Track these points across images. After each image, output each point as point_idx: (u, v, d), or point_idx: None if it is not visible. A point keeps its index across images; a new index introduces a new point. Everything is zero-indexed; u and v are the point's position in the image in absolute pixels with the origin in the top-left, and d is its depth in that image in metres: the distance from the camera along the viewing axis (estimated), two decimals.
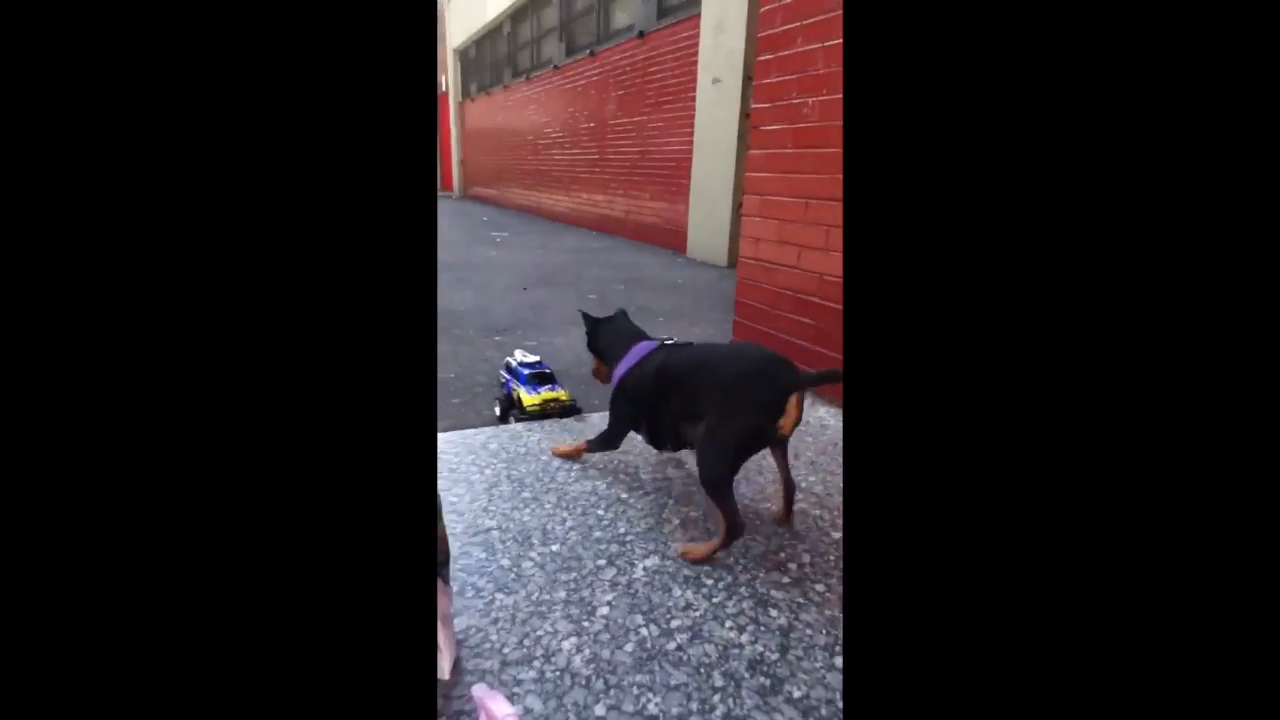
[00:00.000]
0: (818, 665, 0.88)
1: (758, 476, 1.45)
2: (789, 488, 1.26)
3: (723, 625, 0.96)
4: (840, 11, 1.71)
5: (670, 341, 1.34)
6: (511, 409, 1.85)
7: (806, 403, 1.90)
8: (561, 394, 1.84)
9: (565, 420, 1.76)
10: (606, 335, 1.46)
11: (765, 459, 1.52)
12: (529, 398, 1.80)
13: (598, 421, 1.75)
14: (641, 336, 1.41)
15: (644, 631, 0.93)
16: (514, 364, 1.93)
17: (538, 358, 1.95)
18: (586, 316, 1.51)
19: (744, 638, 0.93)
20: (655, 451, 1.55)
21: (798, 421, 1.10)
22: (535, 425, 1.70)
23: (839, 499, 1.36)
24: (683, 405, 1.20)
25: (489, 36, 11.81)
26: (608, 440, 1.42)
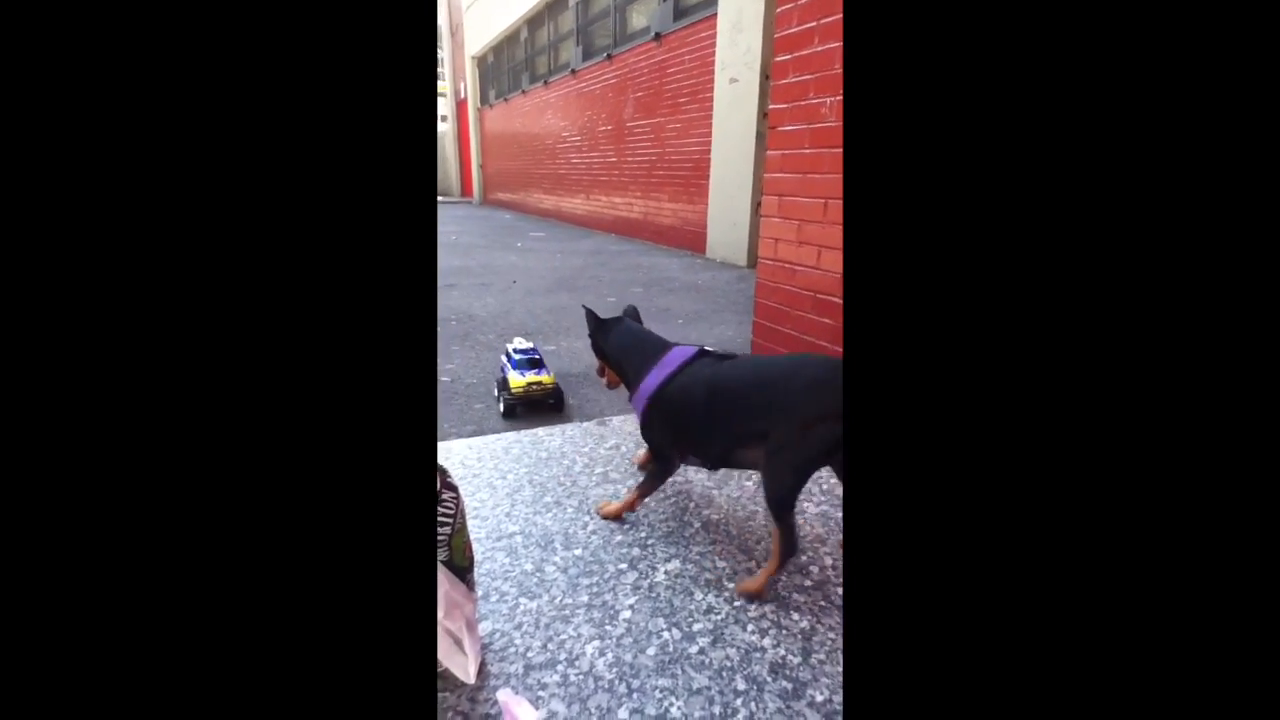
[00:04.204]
0: (840, 669, 0.88)
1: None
2: None
3: (744, 629, 0.96)
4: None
5: (710, 349, 1.16)
6: (503, 391, 2.02)
7: None
8: (545, 378, 2.02)
9: (586, 425, 1.77)
10: (620, 340, 1.27)
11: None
12: (515, 380, 1.99)
13: (618, 424, 1.76)
14: (664, 344, 1.22)
15: (666, 635, 0.94)
16: (510, 350, 2.12)
17: (531, 345, 2.15)
18: (591, 314, 1.30)
19: (766, 641, 0.93)
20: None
21: None
22: (556, 430, 1.72)
23: None
24: (744, 425, 1.04)
25: (506, 43, 11.92)
26: (663, 471, 1.21)
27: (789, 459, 0.98)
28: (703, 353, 1.16)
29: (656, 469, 1.21)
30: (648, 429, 1.18)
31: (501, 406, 2.02)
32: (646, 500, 1.33)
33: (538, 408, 2.04)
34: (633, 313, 1.34)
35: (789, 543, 1.00)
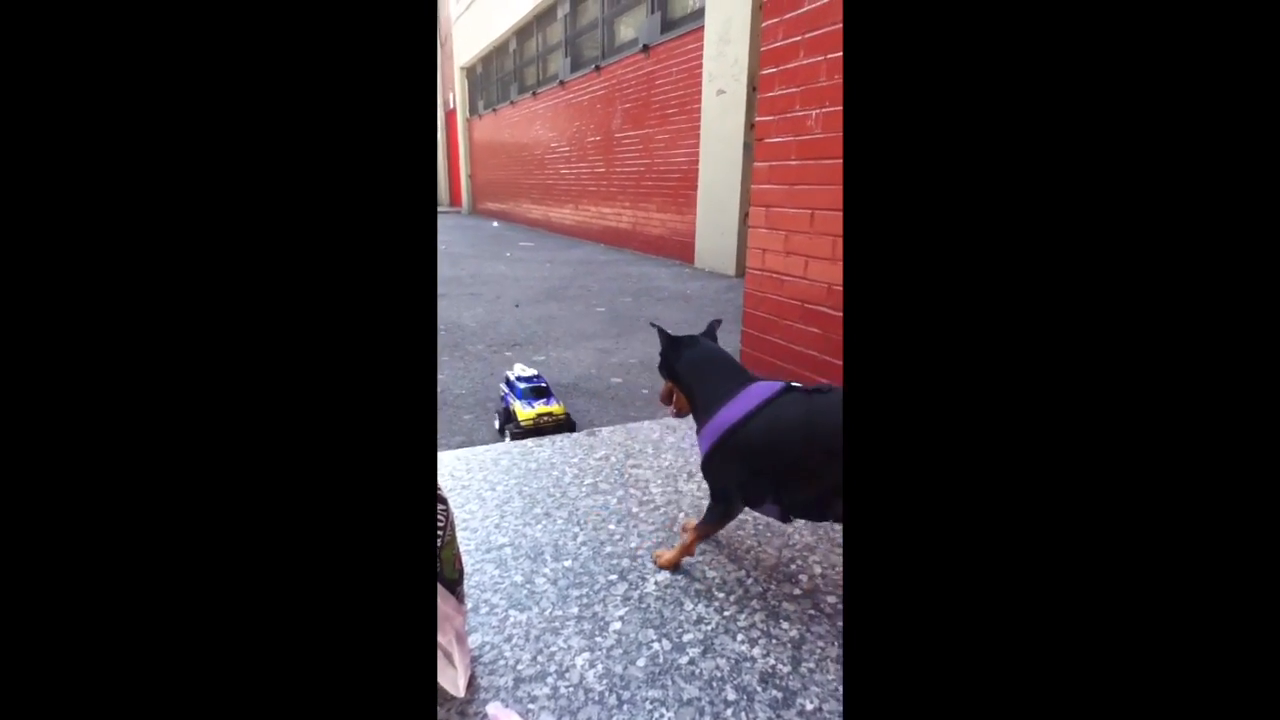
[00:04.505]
0: (830, 678, 0.88)
1: None
2: None
3: (734, 638, 0.96)
4: (842, 25, 1.73)
5: (798, 386, 1.02)
6: (509, 423, 1.88)
7: None
8: (555, 408, 1.87)
9: (576, 436, 1.77)
10: (696, 363, 1.11)
11: None
12: (523, 412, 1.84)
13: (608, 435, 1.76)
14: (747, 375, 1.08)
15: (656, 646, 0.94)
16: (512, 378, 1.97)
17: (535, 371, 2.00)
18: (662, 333, 1.14)
19: (756, 651, 0.94)
20: (666, 464, 1.56)
21: None
22: (546, 441, 1.72)
23: None
24: None
25: (495, 53, 11.96)
26: (724, 514, 1.08)
27: None
28: (789, 388, 1.01)
29: (718, 510, 1.08)
30: (710, 466, 1.06)
31: (507, 439, 1.83)
32: (635, 511, 1.33)
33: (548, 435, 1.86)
34: (710, 332, 1.18)
35: None
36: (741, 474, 1.02)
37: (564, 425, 1.87)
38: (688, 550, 1.13)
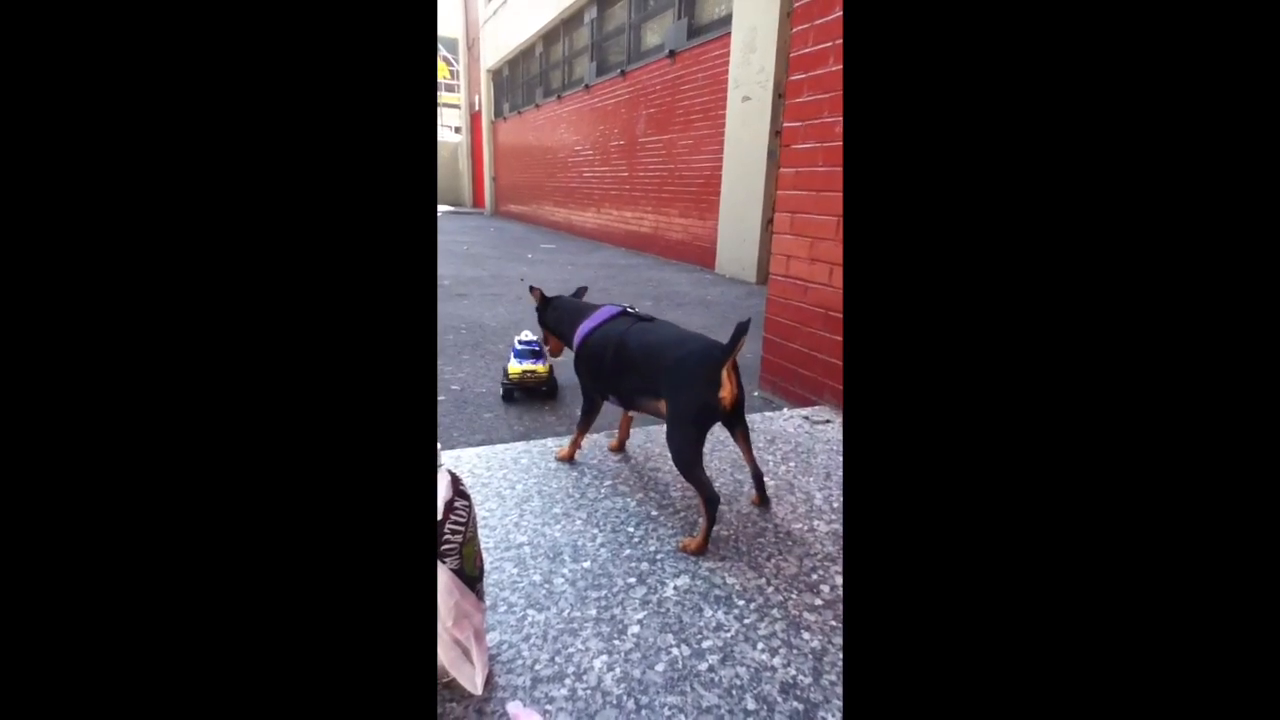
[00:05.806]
0: None
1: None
2: (754, 473, 1.36)
3: (754, 647, 0.95)
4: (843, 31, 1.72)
5: (633, 310, 1.41)
6: (504, 377, 2.26)
7: (837, 420, 1.88)
8: (540, 368, 2.22)
9: (595, 437, 1.76)
10: (561, 311, 1.52)
11: (797, 478, 1.51)
12: (513, 368, 2.22)
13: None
14: (598, 306, 1.46)
15: (675, 651, 0.93)
16: (516, 341, 2.34)
17: (536, 337, 2.31)
18: (538, 292, 1.58)
19: (776, 660, 0.92)
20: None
21: (735, 394, 1.19)
22: (566, 441, 1.71)
23: None
24: (638, 384, 1.32)
25: (521, 57, 12.07)
26: (586, 412, 1.49)
27: (677, 428, 1.20)
28: (624, 312, 1.40)
29: (584, 407, 1.49)
30: (576, 370, 1.45)
31: (500, 390, 2.27)
32: (655, 514, 1.33)
33: (533, 394, 2.29)
34: (576, 292, 1.61)
35: (707, 496, 1.17)
36: (588, 374, 1.42)
37: (545, 383, 2.22)
38: (576, 444, 1.56)
